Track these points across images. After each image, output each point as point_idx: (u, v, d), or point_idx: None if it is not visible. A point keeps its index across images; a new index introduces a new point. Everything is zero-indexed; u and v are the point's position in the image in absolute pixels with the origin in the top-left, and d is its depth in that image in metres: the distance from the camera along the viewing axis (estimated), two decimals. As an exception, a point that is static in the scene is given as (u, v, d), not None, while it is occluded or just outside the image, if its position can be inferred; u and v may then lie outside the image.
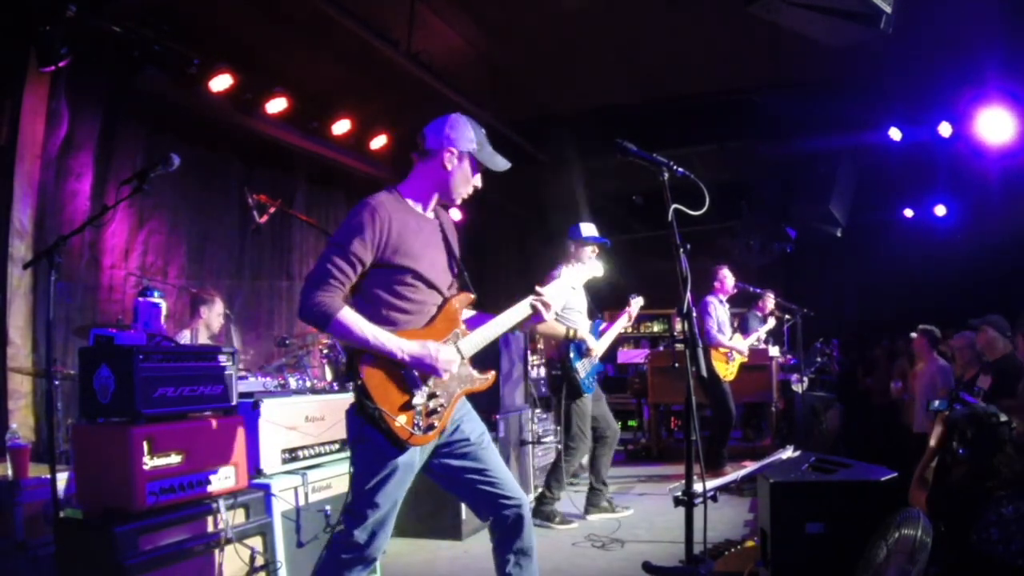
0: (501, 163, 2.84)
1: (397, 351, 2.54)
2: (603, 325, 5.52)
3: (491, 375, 2.87)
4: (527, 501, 2.82)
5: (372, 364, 2.54)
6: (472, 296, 2.86)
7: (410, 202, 2.76)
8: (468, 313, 2.93)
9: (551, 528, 5.16)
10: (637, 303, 5.73)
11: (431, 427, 2.61)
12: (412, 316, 2.66)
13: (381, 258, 2.60)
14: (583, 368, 5.23)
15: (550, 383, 5.44)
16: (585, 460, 7.36)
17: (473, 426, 2.82)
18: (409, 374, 2.59)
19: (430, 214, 2.82)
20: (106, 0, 5.29)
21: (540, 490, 5.34)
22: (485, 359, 6.16)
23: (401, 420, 2.53)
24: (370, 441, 2.55)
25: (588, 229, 5.33)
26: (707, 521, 2.82)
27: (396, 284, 2.64)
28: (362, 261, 2.57)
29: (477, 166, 2.79)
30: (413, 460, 2.61)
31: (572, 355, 5.19)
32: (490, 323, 2.84)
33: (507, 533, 2.76)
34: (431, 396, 2.62)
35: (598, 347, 5.36)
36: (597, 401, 5.49)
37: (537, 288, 2.89)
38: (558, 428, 6.78)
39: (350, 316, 2.51)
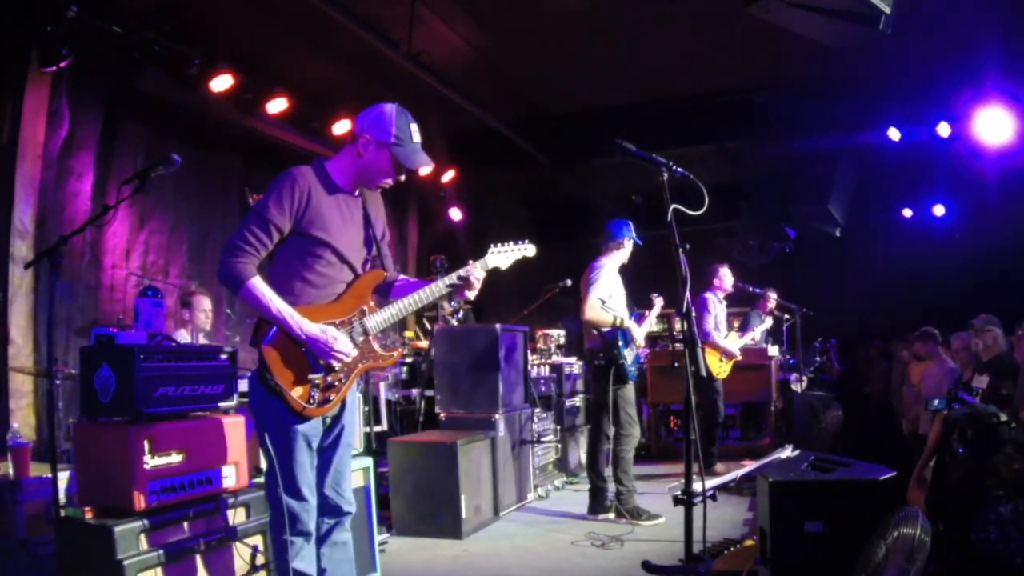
0: (420, 161, 2.79)
1: (296, 329, 2.61)
2: (639, 318, 5.77)
3: (396, 352, 2.94)
4: (354, 507, 2.89)
5: (274, 338, 2.63)
6: (384, 274, 2.90)
7: (334, 177, 2.79)
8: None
9: (555, 526, 5.17)
10: (659, 302, 6.16)
11: (327, 400, 2.70)
12: (319, 290, 2.72)
13: (297, 227, 2.66)
14: (630, 356, 5.36)
15: (592, 373, 5.50)
16: (580, 458, 7.42)
17: (350, 419, 2.89)
18: (308, 351, 2.66)
19: (356, 192, 2.85)
20: (107, 1, 5.31)
21: (615, 488, 5.35)
22: (482, 359, 6.12)
23: (297, 392, 2.63)
24: (273, 411, 2.65)
25: (627, 226, 5.71)
26: (706, 520, 2.83)
27: (308, 256, 2.70)
28: (279, 228, 2.64)
29: (391, 159, 2.77)
30: (316, 424, 2.72)
31: (620, 343, 5.30)
32: (405, 299, 2.85)
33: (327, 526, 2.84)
34: (329, 371, 2.69)
35: (640, 336, 5.57)
36: None
37: (470, 262, 2.92)
38: (558, 428, 6.82)
39: (260, 285, 2.59)
